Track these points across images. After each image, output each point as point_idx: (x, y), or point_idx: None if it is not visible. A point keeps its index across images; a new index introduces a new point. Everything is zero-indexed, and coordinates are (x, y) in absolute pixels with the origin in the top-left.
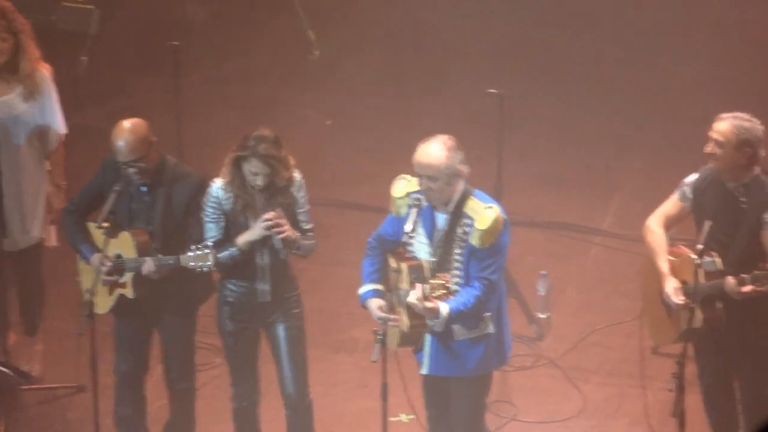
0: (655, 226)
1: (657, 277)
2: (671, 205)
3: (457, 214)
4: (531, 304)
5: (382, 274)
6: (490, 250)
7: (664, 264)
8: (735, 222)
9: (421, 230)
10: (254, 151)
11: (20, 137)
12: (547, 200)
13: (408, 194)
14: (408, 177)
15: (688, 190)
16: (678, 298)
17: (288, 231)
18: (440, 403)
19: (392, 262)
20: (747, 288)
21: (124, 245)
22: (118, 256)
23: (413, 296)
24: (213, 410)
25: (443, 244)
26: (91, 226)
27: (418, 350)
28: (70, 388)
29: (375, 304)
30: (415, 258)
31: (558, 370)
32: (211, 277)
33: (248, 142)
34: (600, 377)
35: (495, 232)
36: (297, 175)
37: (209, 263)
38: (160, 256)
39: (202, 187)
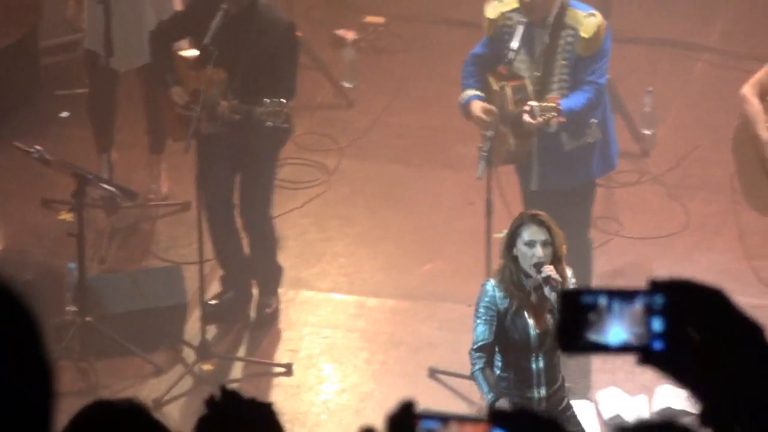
0: (750, 95)
1: (754, 145)
2: (765, 73)
3: (558, 26)
4: (636, 120)
5: (483, 87)
6: (597, 55)
7: (764, 132)
8: None
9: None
10: (527, 215)
11: None
12: (654, 17)
13: (502, 14)
14: None
15: None
16: None
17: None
18: None
19: (493, 84)
20: None
21: (203, 81)
22: (196, 91)
23: (525, 118)
24: (319, 228)
25: (545, 59)
26: (177, 54)
27: (522, 167)
28: (175, 205)
29: (477, 104)
30: (517, 77)
31: (662, 186)
32: (290, 119)
33: (517, 220)
34: (704, 193)
35: (599, 37)
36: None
37: (281, 120)
38: (235, 102)
39: (291, 32)
